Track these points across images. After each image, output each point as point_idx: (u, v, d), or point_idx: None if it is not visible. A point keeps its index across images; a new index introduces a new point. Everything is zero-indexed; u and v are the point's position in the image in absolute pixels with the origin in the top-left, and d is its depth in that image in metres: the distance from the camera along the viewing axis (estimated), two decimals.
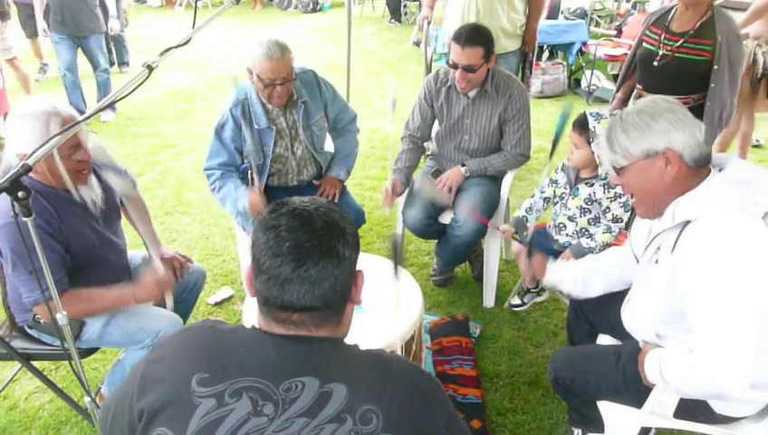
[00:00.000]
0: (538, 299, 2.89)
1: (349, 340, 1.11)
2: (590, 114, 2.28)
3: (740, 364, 1.30)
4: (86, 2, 5.07)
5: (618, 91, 3.16)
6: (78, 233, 1.91)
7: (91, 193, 1.96)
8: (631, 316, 1.68)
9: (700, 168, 1.46)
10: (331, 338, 1.05)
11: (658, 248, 1.54)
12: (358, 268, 1.09)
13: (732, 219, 1.36)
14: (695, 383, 1.38)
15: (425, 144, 3.03)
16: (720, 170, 1.48)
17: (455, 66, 2.62)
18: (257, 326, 1.07)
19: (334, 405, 0.94)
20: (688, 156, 1.44)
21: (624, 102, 3.08)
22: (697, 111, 2.73)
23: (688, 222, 1.42)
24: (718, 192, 1.41)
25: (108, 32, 5.49)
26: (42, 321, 1.92)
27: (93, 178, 1.98)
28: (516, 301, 2.88)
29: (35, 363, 1.94)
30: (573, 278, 1.97)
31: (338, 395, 0.95)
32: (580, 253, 2.41)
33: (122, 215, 2.27)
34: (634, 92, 3.00)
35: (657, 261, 1.54)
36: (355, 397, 0.95)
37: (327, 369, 0.98)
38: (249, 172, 2.64)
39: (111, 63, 6.82)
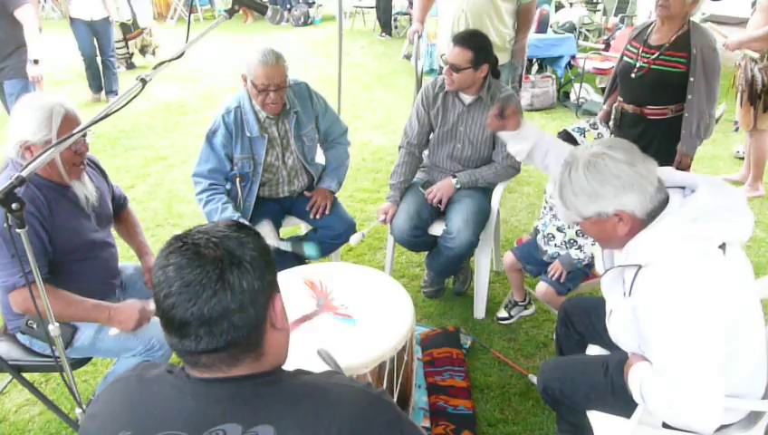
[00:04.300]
0: (525, 313, 2.91)
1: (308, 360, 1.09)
2: (574, 130, 2.32)
3: (709, 410, 1.39)
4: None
5: (604, 103, 3.24)
6: (68, 227, 1.92)
7: (84, 190, 1.97)
8: (614, 329, 1.71)
9: (655, 214, 1.48)
10: (253, 375, 0.97)
11: (623, 281, 1.59)
12: (275, 292, 1.01)
13: (678, 266, 1.42)
14: (671, 420, 1.48)
15: (423, 154, 3.05)
16: (692, 192, 1.51)
17: (447, 62, 2.68)
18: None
19: None
20: (641, 211, 1.47)
21: (609, 115, 3.15)
22: (675, 122, 2.83)
23: (641, 266, 1.48)
24: (667, 235, 1.44)
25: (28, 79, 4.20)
26: (34, 326, 1.91)
27: (86, 176, 2.00)
28: (503, 314, 2.90)
29: (26, 375, 1.93)
30: (535, 143, 2.07)
31: None
32: (570, 264, 2.44)
33: (114, 228, 2.28)
34: (616, 104, 3.08)
35: (624, 293, 1.59)
36: None
37: (250, 412, 0.93)
38: (237, 179, 2.66)
39: (100, 90, 6.51)
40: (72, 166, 1.90)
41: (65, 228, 1.91)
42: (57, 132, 1.78)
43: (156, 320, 2.00)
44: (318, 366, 1.09)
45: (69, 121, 1.82)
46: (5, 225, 1.37)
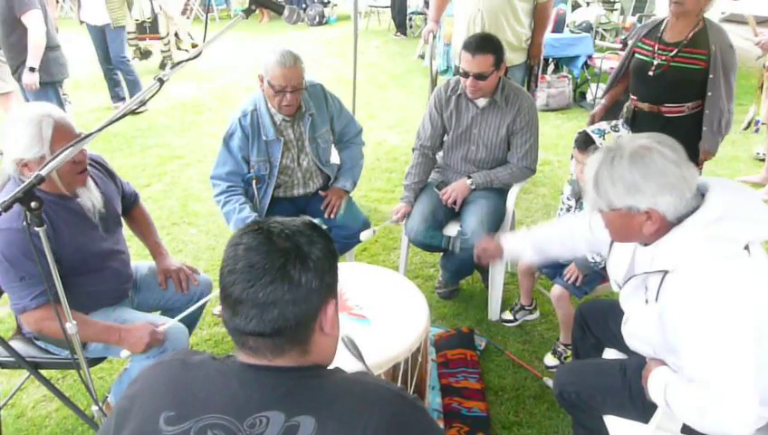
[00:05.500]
0: (529, 317, 2.90)
1: (338, 362, 1.09)
2: (593, 132, 2.29)
3: (745, 413, 1.35)
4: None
5: (602, 98, 3.21)
6: (74, 243, 1.89)
7: (90, 195, 1.94)
8: (630, 337, 1.69)
9: (683, 219, 1.45)
10: (298, 367, 1.00)
11: (646, 288, 1.56)
12: (331, 298, 1.04)
13: (706, 269, 1.39)
14: (703, 427, 1.42)
15: (437, 155, 3.03)
16: (702, 196, 1.47)
17: (465, 75, 2.65)
18: (231, 353, 1.05)
19: None
20: (672, 214, 1.43)
21: (607, 110, 3.13)
22: (692, 120, 2.82)
23: (667, 271, 1.45)
24: (692, 238, 1.41)
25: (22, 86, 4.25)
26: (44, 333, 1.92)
27: (91, 182, 1.97)
28: (509, 316, 2.89)
29: (43, 372, 1.95)
30: (532, 247, 2.11)
31: (305, 428, 0.91)
32: (586, 267, 2.42)
33: (126, 225, 2.28)
34: (628, 103, 3.05)
35: (646, 301, 1.55)
36: (324, 429, 0.91)
37: (293, 401, 0.95)
38: (253, 181, 2.66)
39: (119, 100, 6.25)
40: (75, 176, 1.87)
41: (71, 244, 1.89)
42: (50, 145, 1.74)
43: (171, 327, 2.03)
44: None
45: (61, 131, 1.77)
46: (24, 223, 1.38)
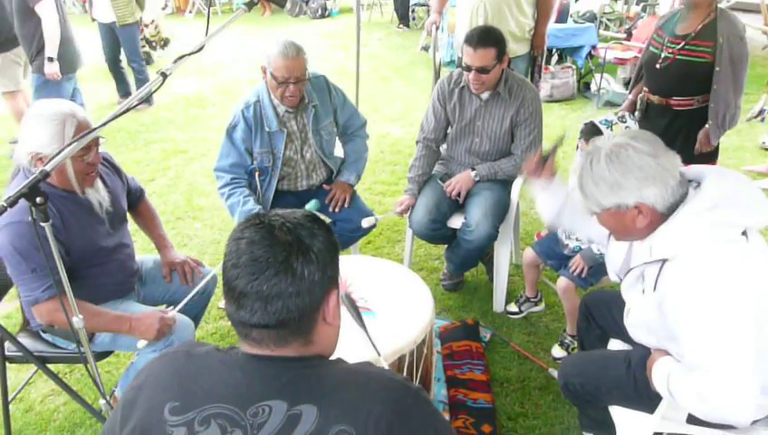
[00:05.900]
0: (534, 309, 2.91)
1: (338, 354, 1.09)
2: (600, 122, 2.28)
3: (745, 399, 1.35)
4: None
5: (629, 93, 3.19)
6: (81, 236, 1.92)
7: (97, 195, 1.96)
8: (633, 328, 1.69)
9: (675, 208, 1.46)
10: (300, 357, 1.01)
11: (643, 278, 1.56)
12: (333, 288, 1.05)
13: (705, 255, 1.39)
14: (704, 414, 1.44)
15: (440, 147, 3.03)
16: (698, 185, 1.48)
17: (468, 69, 2.64)
18: (236, 345, 1.06)
19: (304, 427, 0.92)
20: (661, 205, 1.45)
21: (634, 105, 3.10)
22: (702, 112, 2.78)
23: (666, 259, 1.45)
24: (690, 226, 1.42)
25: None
26: (55, 325, 1.93)
27: (99, 182, 1.99)
28: (514, 308, 2.89)
29: (50, 366, 1.97)
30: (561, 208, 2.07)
31: (307, 417, 0.93)
32: (591, 259, 2.41)
33: (131, 219, 2.29)
34: (641, 94, 3.03)
35: (643, 291, 1.56)
36: (326, 417, 0.92)
37: (295, 390, 0.96)
38: (256, 173, 2.67)
39: (126, 95, 6.25)
40: (85, 176, 1.89)
41: (79, 237, 1.91)
42: None
43: (178, 320, 2.04)
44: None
45: (82, 132, 1.75)
46: (30, 218, 1.38)
